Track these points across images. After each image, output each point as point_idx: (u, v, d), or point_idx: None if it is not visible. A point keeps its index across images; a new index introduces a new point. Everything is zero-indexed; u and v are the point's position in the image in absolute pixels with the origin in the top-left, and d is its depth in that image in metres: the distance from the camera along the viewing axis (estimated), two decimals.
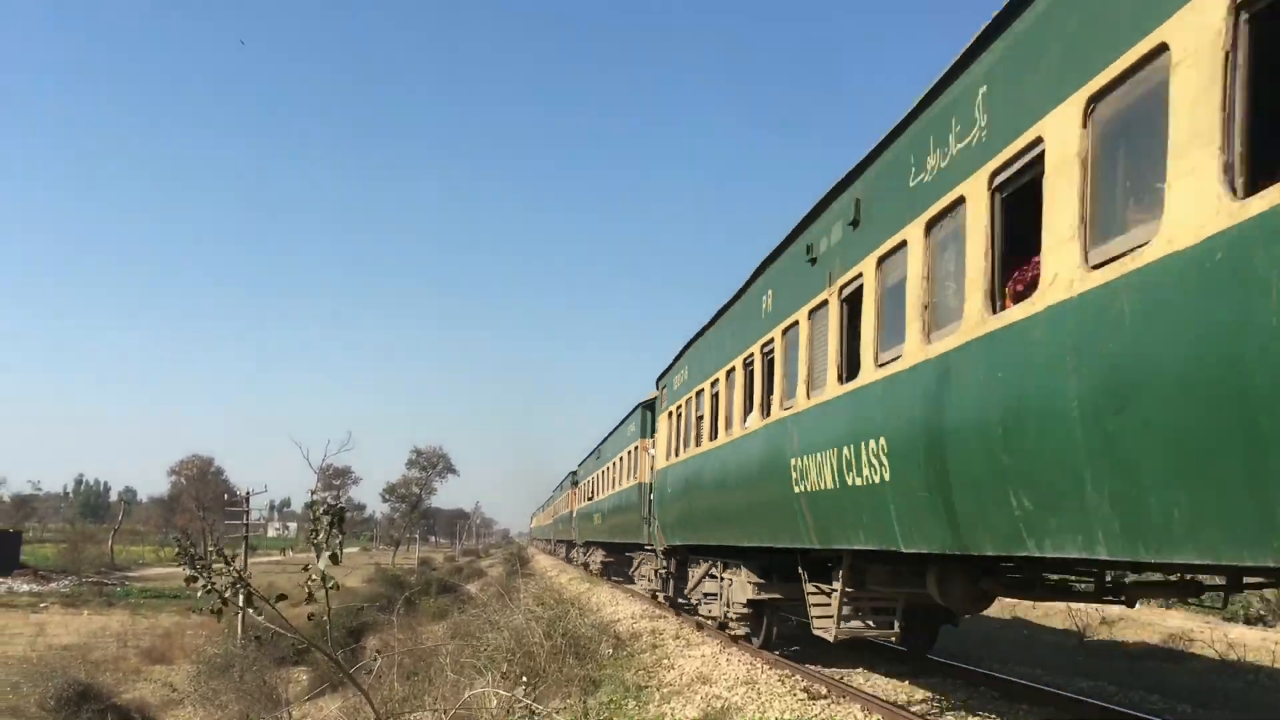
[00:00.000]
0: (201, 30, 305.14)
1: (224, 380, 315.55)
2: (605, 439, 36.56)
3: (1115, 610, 27.62)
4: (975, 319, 7.14)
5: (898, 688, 13.48)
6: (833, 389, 10.11)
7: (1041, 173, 6.47)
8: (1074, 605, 20.72)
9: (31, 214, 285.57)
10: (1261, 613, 27.82)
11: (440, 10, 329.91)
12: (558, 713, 12.58)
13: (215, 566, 5.50)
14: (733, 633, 17.71)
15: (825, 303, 10.58)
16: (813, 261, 11.13)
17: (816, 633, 12.36)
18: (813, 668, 14.24)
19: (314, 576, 5.64)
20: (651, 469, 23.43)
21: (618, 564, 36.61)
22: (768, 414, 12.81)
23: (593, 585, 35.08)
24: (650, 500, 23.17)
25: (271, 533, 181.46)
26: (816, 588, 12.43)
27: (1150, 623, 25.67)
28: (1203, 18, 4.86)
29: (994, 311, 7.00)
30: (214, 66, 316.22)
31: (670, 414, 20.90)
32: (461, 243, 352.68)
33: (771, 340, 12.75)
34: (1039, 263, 6.56)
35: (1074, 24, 6.18)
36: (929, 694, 12.97)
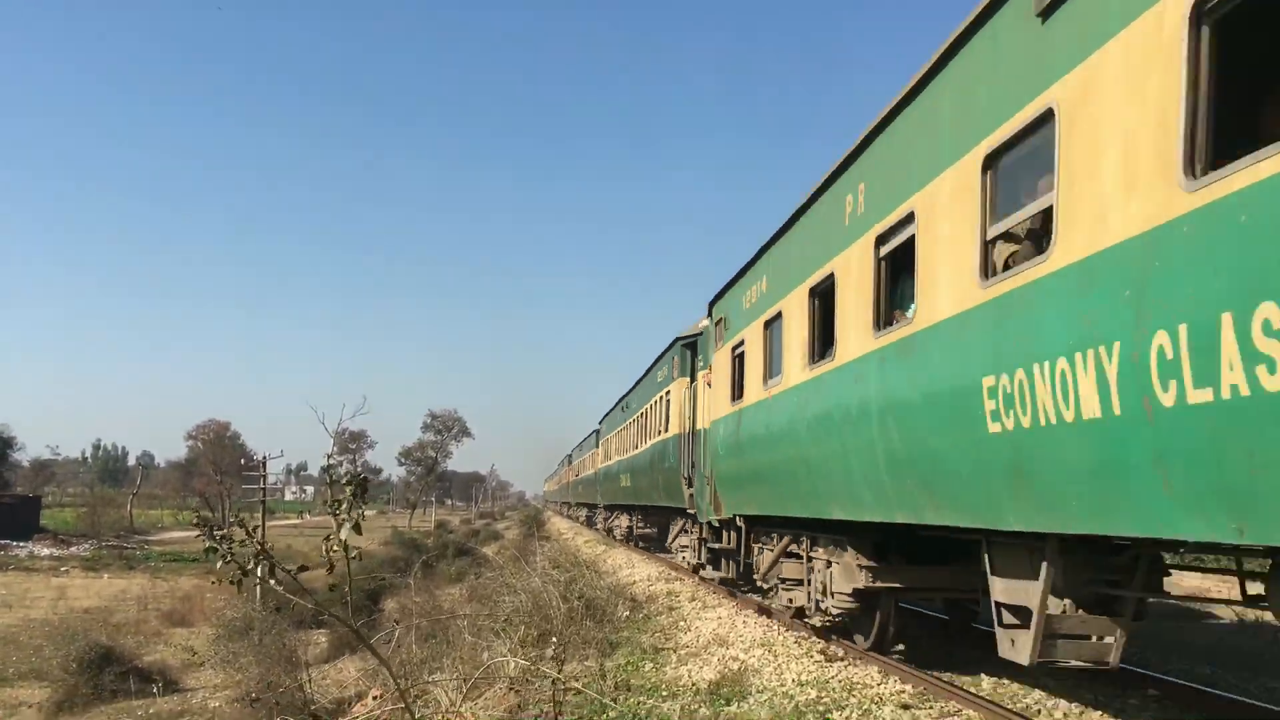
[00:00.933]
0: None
1: (240, 345, 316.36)
2: (580, 442, 60.58)
3: None
4: (656, 437, 25.23)
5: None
6: (630, 453, 30.73)
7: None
8: None
9: (42, 182, 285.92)
10: None
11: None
12: (576, 678, 12.64)
13: (236, 536, 5.50)
14: (619, 539, 38.32)
15: (630, 424, 31.04)
16: (626, 410, 32.93)
17: (635, 533, 33.74)
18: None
19: (335, 546, 5.64)
20: (598, 464, 45.54)
21: (591, 518, 55.48)
22: (624, 454, 32.60)
23: (609, 547, 35.30)
24: (598, 481, 44.85)
25: (289, 496, 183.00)
26: (637, 519, 33.31)
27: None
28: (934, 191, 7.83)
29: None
30: (223, 35, 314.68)
31: (602, 442, 43.01)
32: (472, 215, 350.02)
33: (622, 428, 33.10)
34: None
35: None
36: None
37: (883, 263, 9.23)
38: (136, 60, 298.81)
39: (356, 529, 5.60)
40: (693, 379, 20.01)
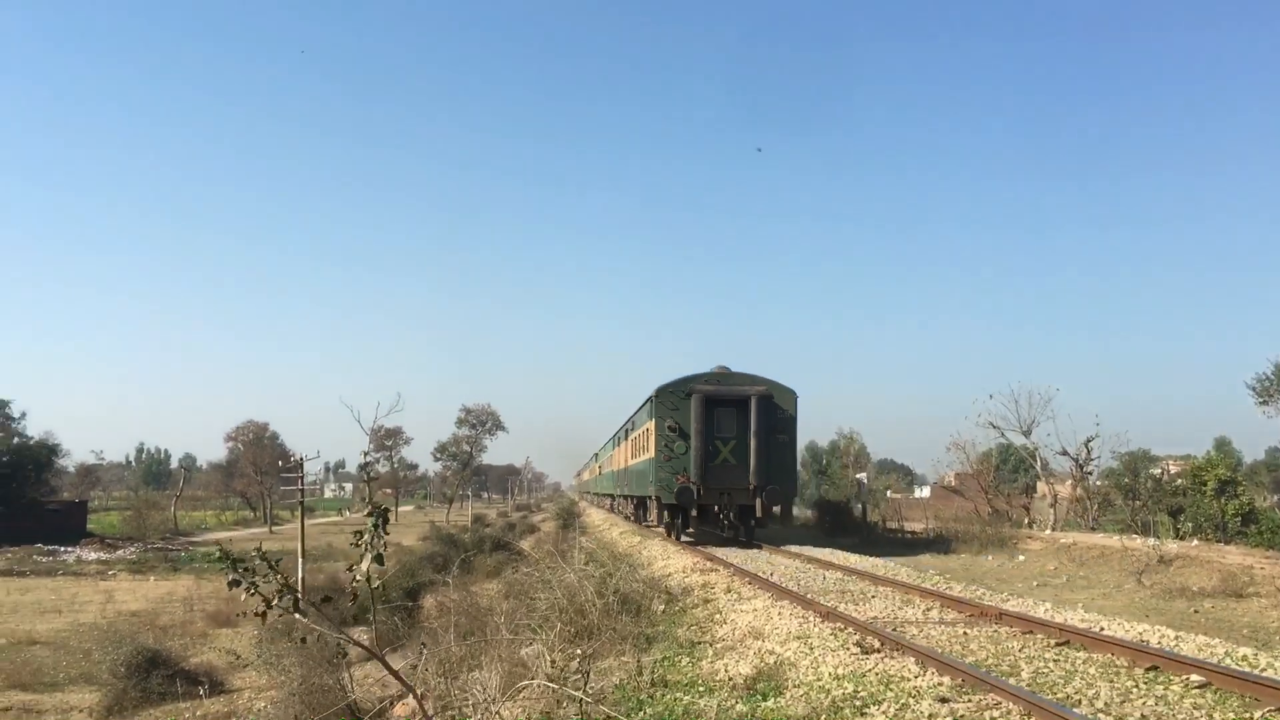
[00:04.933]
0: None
1: (277, 345, 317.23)
2: (603, 445, 70.19)
3: (1172, 548, 27.35)
4: (612, 458, 56.77)
5: (952, 636, 13.44)
6: (631, 462, 42.54)
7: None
8: (1129, 545, 25.70)
9: (86, 187, 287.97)
10: None
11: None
12: (612, 671, 12.68)
13: (259, 569, 5.55)
14: (627, 516, 51.95)
15: (629, 443, 43.81)
16: (596, 462, 79.06)
17: (636, 511, 47.33)
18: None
19: (358, 577, 5.70)
20: (594, 473, 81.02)
21: (612, 505, 67.89)
22: (628, 463, 44.05)
23: (644, 539, 35.32)
24: (616, 478, 54.85)
25: (328, 494, 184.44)
26: (635, 504, 47.14)
27: (1209, 559, 25.34)
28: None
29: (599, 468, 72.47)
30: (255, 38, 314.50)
31: (595, 463, 79.44)
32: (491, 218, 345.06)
33: (625, 445, 45.72)
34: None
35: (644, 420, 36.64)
36: (983, 640, 12.92)
37: (614, 453, 51.80)
38: (184, 55, 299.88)
39: (379, 560, 5.67)
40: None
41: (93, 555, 61.33)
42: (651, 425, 32.45)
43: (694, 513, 31.09)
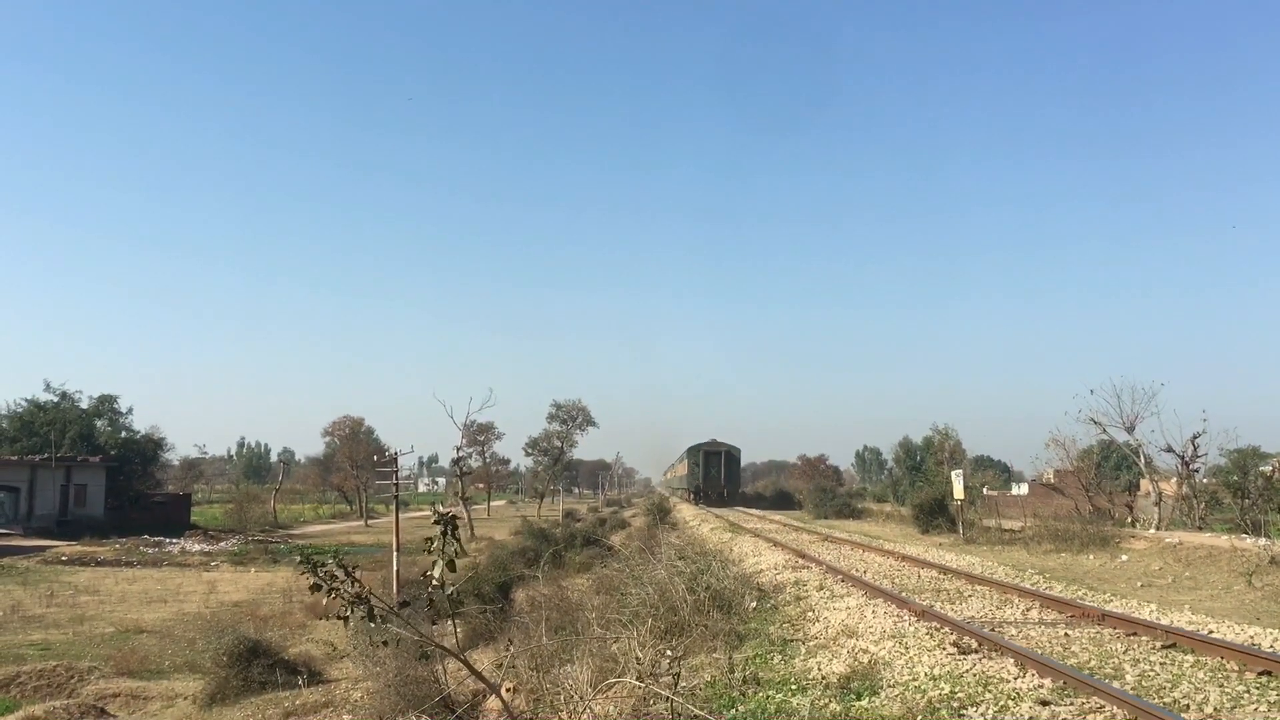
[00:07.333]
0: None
1: (374, 343, 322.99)
2: (679, 454, 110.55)
3: None
4: (676, 470, 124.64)
5: (1053, 637, 13.08)
6: (673, 473, 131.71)
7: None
8: (1238, 545, 24.43)
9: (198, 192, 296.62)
10: None
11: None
12: (704, 668, 12.60)
13: (338, 576, 5.59)
14: (686, 499, 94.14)
15: (674, 465, 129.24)
16: (671, 469, 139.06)
17: (688, 496, 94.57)
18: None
19: (434, 582, 5.73)
20: (672, 475, 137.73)
21: (684, 496, 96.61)
22: (674, 473, 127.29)
23: (735, 535, 35.14)
24: (683, 479, 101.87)
25: (422, 488, 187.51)
26: (689, 494, 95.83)
27: None
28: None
29: (672, 474, 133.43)
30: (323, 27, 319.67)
31: (670, 470, 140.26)
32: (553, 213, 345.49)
33: (674, 466, 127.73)
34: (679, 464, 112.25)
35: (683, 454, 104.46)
36: (1089, 641, 12.55)
37: (677, 467, 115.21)
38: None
39: (450, 566, 5.68)
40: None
41: (196, 546, 63.01)
42: (685, 461, 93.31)
43: (701, 496, 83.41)
